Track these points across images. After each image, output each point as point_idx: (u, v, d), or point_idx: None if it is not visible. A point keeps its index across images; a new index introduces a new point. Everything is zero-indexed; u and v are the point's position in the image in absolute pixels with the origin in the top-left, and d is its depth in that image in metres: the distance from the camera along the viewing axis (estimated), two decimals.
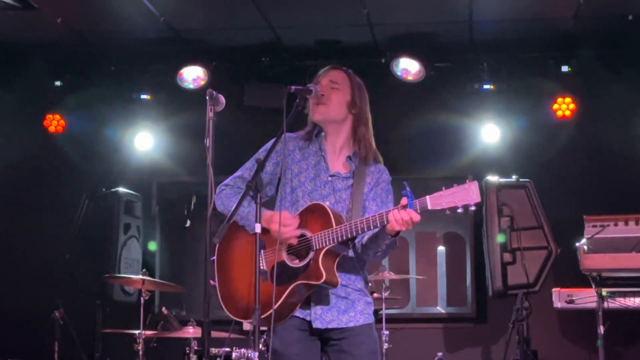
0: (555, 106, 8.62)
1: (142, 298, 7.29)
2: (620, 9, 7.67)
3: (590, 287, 7.31)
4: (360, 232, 4.17)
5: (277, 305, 4.22)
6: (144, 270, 7.59)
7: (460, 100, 8.81)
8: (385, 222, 4.09)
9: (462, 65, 8.72)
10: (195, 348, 7.01)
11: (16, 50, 8.73)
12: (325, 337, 4.40)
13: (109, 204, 8.58)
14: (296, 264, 4.29)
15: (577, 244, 7.30)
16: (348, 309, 4.38)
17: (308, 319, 4.35)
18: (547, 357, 8.14)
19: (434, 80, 8.58)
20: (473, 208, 3.98)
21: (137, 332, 7.20)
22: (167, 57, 8.70)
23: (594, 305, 7.29)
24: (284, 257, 4.32)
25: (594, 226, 7.32)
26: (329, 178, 4.45)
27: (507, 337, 7.74)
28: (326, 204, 4.30)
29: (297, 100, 4.39)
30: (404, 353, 7.91)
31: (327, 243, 4.20)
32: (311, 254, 4.24)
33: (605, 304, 7.24)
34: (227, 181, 4.52)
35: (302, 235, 4.29)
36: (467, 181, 4.00)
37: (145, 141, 9.16)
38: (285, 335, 4.36)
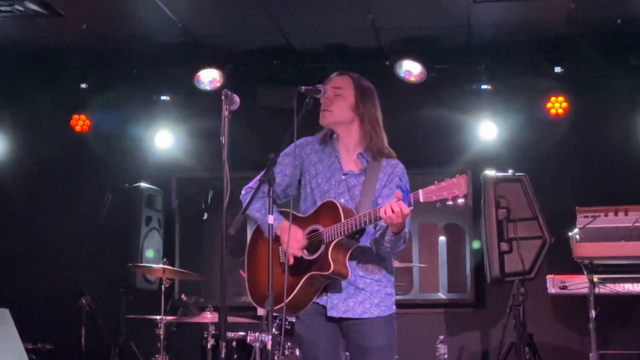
0: (549, 105, 8.59)
1: (163, 286, 7.31)
2: (609, 13, 7.64)
3: (583, 274, 7.28)
4: (362, 225, 4.18)
5: (292, 295, 4.29)
6: (164, 259, 7.60)
7: (459, 99, 8.79)
8: (379, 215, 4.10)
9: (461, 66, 8.69)
10: (213, 332, 7.01)
11: (45, 55, 8.73)
12: (342, 325, 4.42)
13: (132, 198, 8.60)
14: (310, 256, 4.32)
15: (569, 234, 7.29)
16: (364, 300, 4.39)
17: (326, 305, 4.40)
18: (542, 340, 8.10)
19: (435, 81, 8.54)
20: (461, 200, 3.98)
21: (158, 317, 7.22)
22: (185, 61, 8.69)
23: (586, 291, 7.27)
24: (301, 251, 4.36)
25: (585, 217, 7.30)
26: (343, 177, 4.48)
27: (504, 321, 7.70)
28: (337, 201, 4.33)
29: (307, 100, 4.40)
30: (407, 337, 7.88)
31: (336, 236, 4.23)
32: (322, 247, 4.28)
33: (597, 290, 7.22)
34: (251, 184, 4.57)
35: (315, 230, 4.33)
36: (457, 175, 4.00)
37: (165, 139, 9.17)
38: (307, 320, 4.44)
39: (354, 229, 4.20)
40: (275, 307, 4.18)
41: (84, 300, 7.81)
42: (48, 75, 9.05)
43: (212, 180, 9.06)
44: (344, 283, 4.35)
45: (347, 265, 4.28)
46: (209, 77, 8.66)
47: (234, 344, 7.02)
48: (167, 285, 7.33)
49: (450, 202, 3.98)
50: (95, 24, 7.97)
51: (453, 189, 3.97)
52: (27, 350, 7.43)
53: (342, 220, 4.22)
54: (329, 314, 4.37)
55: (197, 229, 9.27)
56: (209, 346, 6.97)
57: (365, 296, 4.39)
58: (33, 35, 8.24)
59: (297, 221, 4.43)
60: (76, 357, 7.89)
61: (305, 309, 4.40)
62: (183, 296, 7.38)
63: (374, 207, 4.35)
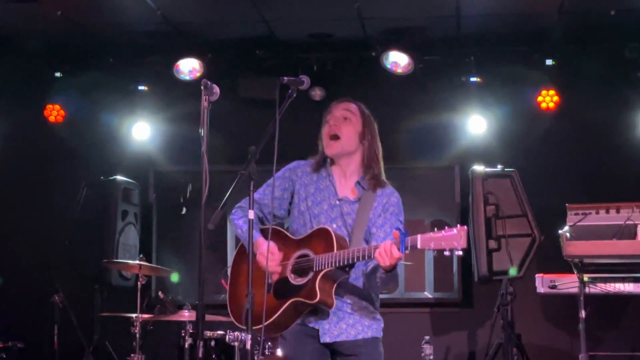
0: (540, 98, 8.61)
1: (139, 283, 7.30)
2: (603, 4, 7.66)
3: (572, 273, 7.30)
4: (355, 260, 4.24)
5: (274, 317, 4.35)
6: (141, 255, 7.60)
7: (447, 92, 8.79)
8: (373, 254, 4.16)
9: (449, 58, 8.69)
10: (190, 331, 7.01)
11: (17, 42, 8.69)
12: (334, 349, 4.49)
13: (107, 192, 8.58)
14: (297, 281, 4.37)
15: (559, 231, 7.28)
16: (356, 322, 4.48)
17: (316, 327, 4.46)
18: (531, 341, 8.15)
19: (422, 73, 8.56)
20: (459, 253, 4.00)
21: (134, 315, 7.22)
22: (164, 50, 8.68)
23: (575, 290, 7.28)
24: (288, 273, 4.41)
25: (576, 214, 7.31)
26: (337, 202, 4.55)
27: (492, 321, 7.75)
28: (332, 230, 4.37)
29: (290, 91, 4.42)
30: (392, 337, 7.83)
31: (326, 266, 4.28)
32: (311, 274, 4.33)
33: (587, 290, 7.23)
34: (240, 203, 4.65)
35: (306, 255, 4.38)
36: (457, 226, 4.03)
37: (142, 131, 9.15)
38: (294, 341, 4.52)
39: (345, 262, 4.25)
40: (255, 327, 4.20)
41: (56, 298, 7.78)
42: (20, 64, 9.00)
43: (191, 174, 9.05)
44: (331, 309, 4.41)
45: (333, 295, 4.34)
46: (188, 67, 8.64)
47: (212, 343, 7.01)
48: (143, 282, 7.32)
49: (448, 253, 4.01)
50: (70, 10, 7.93)
51: (452, 241, 3.99)
52: None
53: (335, 250, 4.28)
54: (322, 340, 4.45)
55: (175, 224, 9.24)
56: (186, 345, 6.95)
57: (356, 319, 4.48)
58: (5, 22, 8.21)
59: (287, 242, 4.50)
60: (48, 356, 7.88)
61: (292, 329, 4.47)
62: (160, 294, 7.37)
63: (367, 236, 4.45)
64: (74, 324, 7.88)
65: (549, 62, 8.52)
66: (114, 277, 8.39)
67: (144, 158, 9.27)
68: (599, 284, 7.31)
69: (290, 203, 4.64)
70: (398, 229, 4.19)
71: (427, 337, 7.91)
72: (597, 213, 7.30)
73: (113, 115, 9.27)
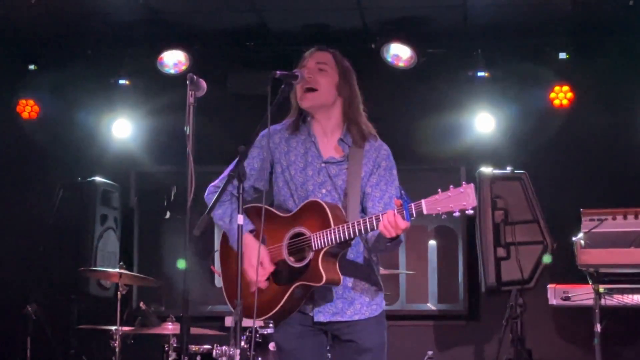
0: (552, 95, 8.63)
1: (119, 292, 7.26)
2: None
3: (587, 283, 7.32)
4: (357, 234, 4.20)
5: (279, 306, 4.33)
6: (121, 263, 7.57)
7: (453, 88, 8.80)
8: (375, 227, 4.11)
9: (455, 51, 8.71)
10: (175, 345, 6.99)
11: None
12: (330, 331, 4.46)
13: (85, 194, 8.57)
14: (296, 263, 4.33)
15: (573, 239, 7.30)
16: (354, 300, 4.43)
17: (310, 314, 4.41)
18: (542, 357, 8.16)
19: (426, 67, 8.56)
20: (470, 212, 3.94)
21: (113, 328, 7.18)
22: (146, 41, 8.66)
23: (590, 302, 7.30)
24: (285, 256, 4.37)
25: (591, 220, 7.32)
26: (323, 164, 4.48)
27: (500, 335, 7.73)
28: (323, 201, 4.32)
29: (283, 87, 4.39)
30: (392, 351, 7.78)
31: (326, 244, 4.23)
32: (311, 255, 4.28)
33: (603, 301, 7.25)
34: (216, 182, 4.55)
35: (302, 234, 4.33)
36: (463, 183, 3.98)
37: (123, 128, 9.15)
38: (287, 330, 4.46)
39: (346, 237, 4.20)
40: (262, 318, 4.29)
41: (30, 308, 7.77)
42: None
43: (175, 175, 9.03)
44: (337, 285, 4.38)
45: (338, 270, 4.29)
46: (173, 60, 8.65)
47: (198, 358, 7.00)
48: (123, 292, 7.29)
49: (457, 214, 3.96)
50: None
51: (461, 201, 3.93)
52: None
53: (332, 225, 4.22)
54: (315, 318, 4.40)
55: (158, 229, 9.25)
56: None
57: (355, 295, 4.43)
58: None
59: (277, 221, 4.43)
60: None
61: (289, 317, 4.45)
62: (141, 304, 7.36)
63: (365, 198, 4.41)
64: (48, 337, 7.87)
65: (562, 55, 8.56)
66: (92, 287, 8.37)
67: (125, 158, 9.26)
68: (615, 296, 7.32)
69: (271, 173, 4.59)
70: (399, 196, 4.14)
71: (430, 353, 7.92)
72: (614, 219, 7.32)
73: (91, 112, 9.28)
